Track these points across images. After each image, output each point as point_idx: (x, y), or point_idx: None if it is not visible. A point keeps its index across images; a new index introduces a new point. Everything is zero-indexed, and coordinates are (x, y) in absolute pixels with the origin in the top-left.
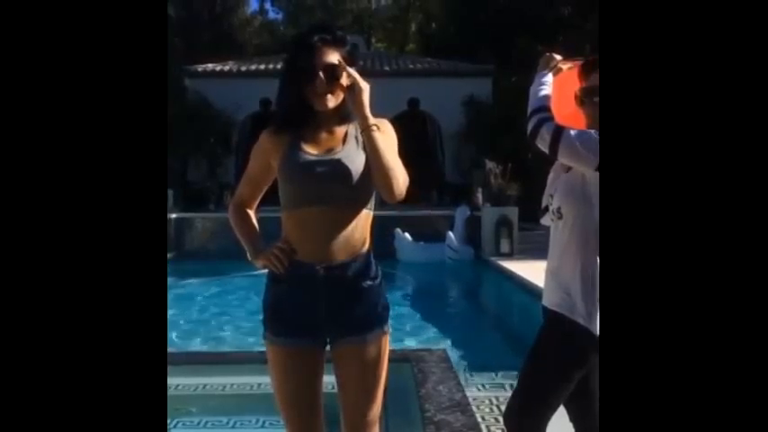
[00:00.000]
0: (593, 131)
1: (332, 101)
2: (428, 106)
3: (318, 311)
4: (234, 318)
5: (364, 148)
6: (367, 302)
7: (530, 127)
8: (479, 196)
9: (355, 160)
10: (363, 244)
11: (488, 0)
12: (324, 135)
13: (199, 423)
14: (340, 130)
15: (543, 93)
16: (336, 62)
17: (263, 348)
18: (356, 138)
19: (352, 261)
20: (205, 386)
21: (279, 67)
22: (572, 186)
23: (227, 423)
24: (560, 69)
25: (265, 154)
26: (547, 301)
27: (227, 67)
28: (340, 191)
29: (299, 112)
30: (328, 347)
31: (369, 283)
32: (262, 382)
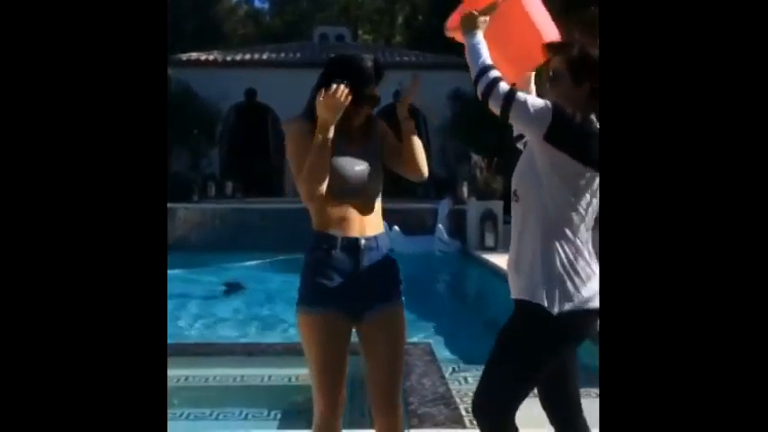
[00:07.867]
0: (546, 101)
1: (362, 116)
2: (414, 99)
3: (359, 277)
4: (216, 309)
5: (380, 151)
6: (392, 270)
7: (480, 87)
8: (464, 190)
9: (379, 159)
10: (381, 224)
11: None
12: (351, 132)
13: (181, 415)
14: (361, 130)
15: (483, 51)
16: (379, 95)
17: (246, 340)
18: (374, 139)
19: (378, 236)
20: (187, 378)
21: (264, 57)
22: (526, 166)
23: (210, 415)
24: (494, 8)
25: (308, 137)
26: (512, 291)
27: (211, 57)
28: (373, 185)
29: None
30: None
31: (391, 254)
32: (245, 373)
